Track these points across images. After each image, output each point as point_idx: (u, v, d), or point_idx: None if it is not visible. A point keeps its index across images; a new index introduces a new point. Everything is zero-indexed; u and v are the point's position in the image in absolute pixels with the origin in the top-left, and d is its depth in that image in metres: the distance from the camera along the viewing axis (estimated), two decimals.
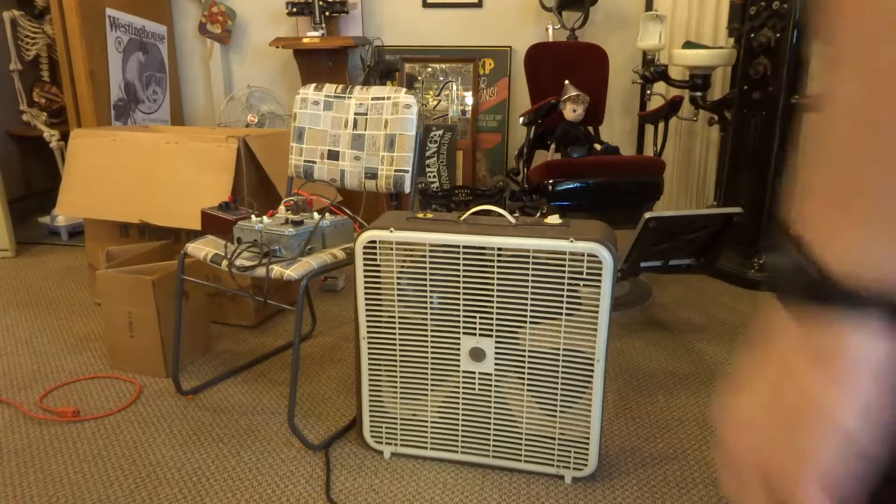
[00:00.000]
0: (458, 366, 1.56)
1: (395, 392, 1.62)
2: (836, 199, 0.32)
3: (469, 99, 3.43)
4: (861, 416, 0.33)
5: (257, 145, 2.33)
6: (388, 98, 1.99)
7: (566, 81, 2.80)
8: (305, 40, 3.31)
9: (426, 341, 1.56)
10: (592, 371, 1.47)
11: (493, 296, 1.48)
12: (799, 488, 0.35)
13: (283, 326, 2.44)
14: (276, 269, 1.65)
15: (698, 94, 2.90)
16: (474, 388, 1.57)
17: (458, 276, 1.48)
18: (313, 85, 2.11)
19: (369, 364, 1.61)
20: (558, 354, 1.49)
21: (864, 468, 0.34)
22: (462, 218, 1.54)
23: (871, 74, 0.31)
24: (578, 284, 1.42)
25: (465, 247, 1.46)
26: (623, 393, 1.98)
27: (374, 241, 1.51)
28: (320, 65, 3.43)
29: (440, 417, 1.62)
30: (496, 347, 1.52)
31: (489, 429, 1.59)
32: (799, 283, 0.34)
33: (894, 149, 0.30)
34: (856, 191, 0.31)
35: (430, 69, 3.46)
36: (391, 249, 1.51)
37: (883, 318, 0.32)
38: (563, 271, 1.42)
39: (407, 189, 1.97)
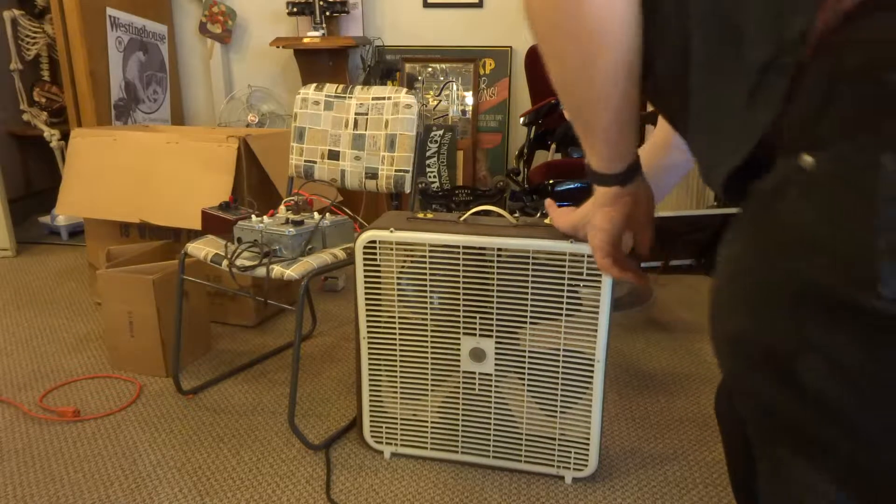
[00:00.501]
0: (459, 366, 1.56)
1: (396, 392, 1.62)
2: (582, 140, 0.77)
3: (469, 99, 3.43)
4: (608, 222, 0.89)
5: (258, 145, 2.33)
6: (389, 98, 1.99)
7: None
8: (306, 40, 3.31)
9: (426, 341, 1.56)
10: (593, 371, 1.47)
11: (493, 296, 1.48)
12: (596, 255, 0.95)
13: (284, 326, 2.44)
14: (277, 269, 1.65)
15: None
16: (474, 389, 1.57)
17: (459, 276, 1.48)
18: (314, 85, 2.11)
19: (369, 364, 1.61)
20: (558, 355, 1.49)
21: (612, 241, 0.91)
22: (462, 218, 1.54)
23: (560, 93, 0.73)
24: (578, 285, 1.42)
25: (465, 247, 1.46)
26: (623, 393, 1.98)
27: (375, 241, 1.51)
28: (321, 65, 3.43)
29: (440, 418, 1.62)
30: (496, 348, 1.52)
31: (489, 429, 1.59)
32: (590, 177, 0.84)
33: (584, 122, 0.74)
34: (582, 136, 0.76)
35: (430, 69, 3.46)
36: (391, 249, 1.51)
37: (612, 183, 0.83)
38: (564, 272, 1.42)
39: (407, 189, 1.97)
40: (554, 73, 0.68)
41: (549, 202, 1.41)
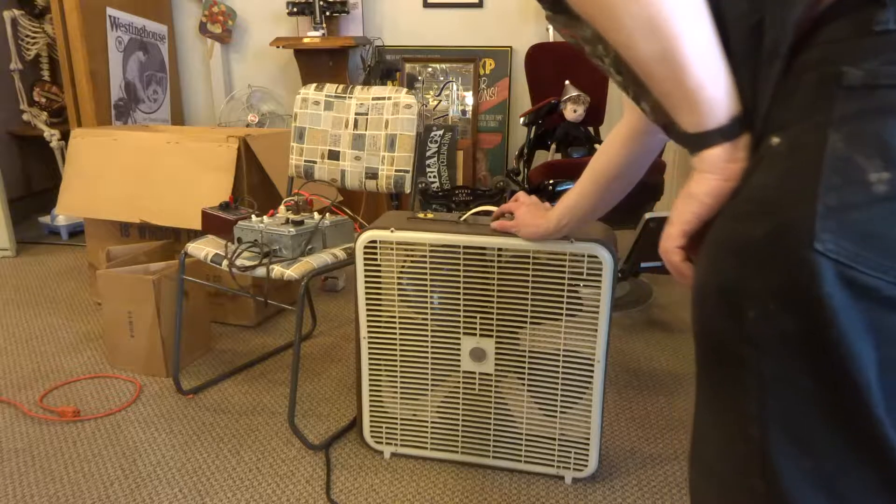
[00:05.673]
0: (459, 366, 1.56)
1: (396, 392, 1.62)
2: (671, 110, 0.66)
3: (469, 99, 3.44)
4: (710, 195, 0.66)
5: (258, 145, 2.33)
6: (389, 98, 1.99)
7: (567, 82, 2.80)
8: (306, 40, 3.31)
9: (426, 341, 1.56)
10: (593, 372, 1.47)
11: (493, 296, 1.48)
12: (672, 233, 0.70)
13: (284, 326, 2.44)
14: (277, 269, 1.65)
15: None
16: (475, 389, 1.57)
17: (459, 276, 1.48)
18: (314, 85, 2.11)
19: (370, 364, 1.61)
20: (559, 355, 1.49)
21: (701, 222, 0.68)
22: (462, 218, 1.54)
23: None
24: (579, 285, 1.42)
25: (465, 247, 1.46)
26: (623, 393, 1.98)
27: (375, 241, 1.51)
28: (321, 65, 3.43)
29: (440, 418, 1.62)
30: (496, 348, 1.52)
31: (489, 429, 1.59)
32: (685, 143, 0.67)
33: (659, 90, 0.64)
34: (671, 105, 0.66)
35: (430, 69, 3.46)
36: (392, 249, 1.51)
37: (717, 140, 0.64)
38: (564, 272, 1.42)
39: (407, 189, 1.97)
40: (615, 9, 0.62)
41: (515, 205, 1.43)
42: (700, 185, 0.67)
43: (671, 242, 0.71)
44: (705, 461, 0.70)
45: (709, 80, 0.63)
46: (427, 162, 3.38)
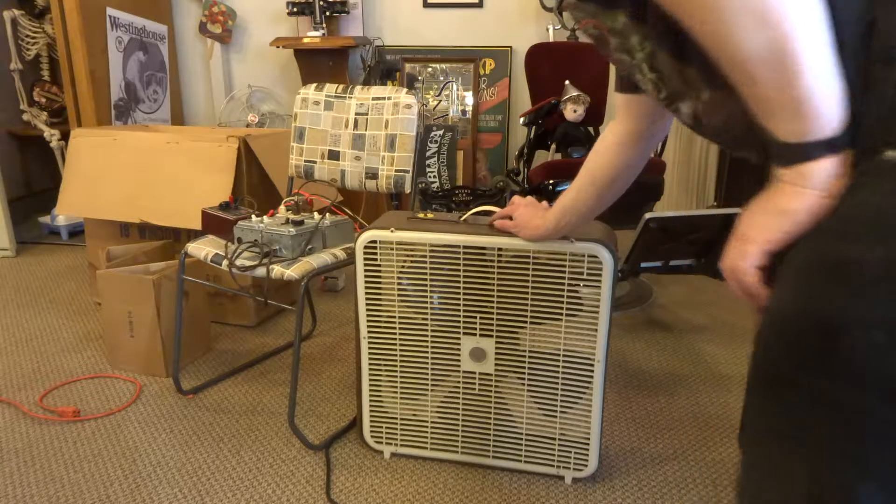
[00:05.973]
0: (459, 366, 1.56)
1: (396, 392, 1.62)
2: (765, 115, 0.58)
3: (469, 99, 3.43)
4: (809, 212, 0.58)
5: (258, 145, 2.33)
6: (389, 98, 1.99)
7: (566, 82, 2.80)
8: (306, 40, 3.31)
9: (426, 341, 1.56)
10: (593, 372, 1.47)
11: (493, 296, 1.48)
12: (751, 253, 0.61)
13: (284, 326, 2.44)
14: (277, 269, 1.65)
15: None
16: (474, 389, 1.57)
17: (459, 276, 1.48)
18: (314, 85, 2.11)
19: (370, 364, 1.61)
20: (559, 355, 1.49)
21: (790, 240, 0.59)
22: (462, 218, 1.54)
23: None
24: (579, 285, 1.42)
25: (465, 247, 1.46)
26: (623, 393, 1.98)
27: (375, 241, 1.51)
28: (321, 65, 3.43)
29: (440, 417, 1.62)
30: (496, 348, 1.52)
31: (489, 429, 1.59)
32: (779, 153, 0.59)
33: (758, 102, 0.57)
34: (768, 111, 0.57)
35: (430, 69, 3.46)
36: (392, 249, 1.51)
37: (825, 152, 0.56)
38: (564, 272, 1.42)
39: (407, 189, 1.97)
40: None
41: (512, 208, 1.42)
42: (796, 201, 0.57)
43: (749, 261, 0.62)
44: (758, 494, 0.63)
45: (821, 84, 0.53)
46: (427, 162, 3.38)
